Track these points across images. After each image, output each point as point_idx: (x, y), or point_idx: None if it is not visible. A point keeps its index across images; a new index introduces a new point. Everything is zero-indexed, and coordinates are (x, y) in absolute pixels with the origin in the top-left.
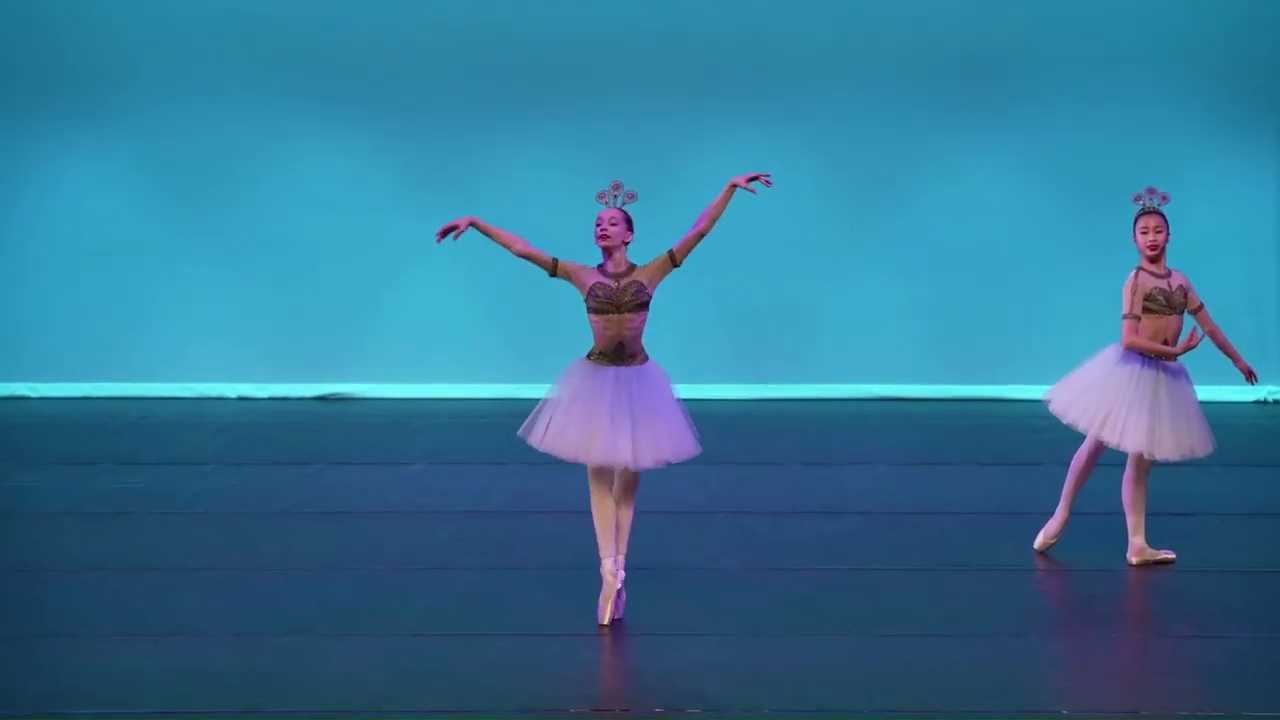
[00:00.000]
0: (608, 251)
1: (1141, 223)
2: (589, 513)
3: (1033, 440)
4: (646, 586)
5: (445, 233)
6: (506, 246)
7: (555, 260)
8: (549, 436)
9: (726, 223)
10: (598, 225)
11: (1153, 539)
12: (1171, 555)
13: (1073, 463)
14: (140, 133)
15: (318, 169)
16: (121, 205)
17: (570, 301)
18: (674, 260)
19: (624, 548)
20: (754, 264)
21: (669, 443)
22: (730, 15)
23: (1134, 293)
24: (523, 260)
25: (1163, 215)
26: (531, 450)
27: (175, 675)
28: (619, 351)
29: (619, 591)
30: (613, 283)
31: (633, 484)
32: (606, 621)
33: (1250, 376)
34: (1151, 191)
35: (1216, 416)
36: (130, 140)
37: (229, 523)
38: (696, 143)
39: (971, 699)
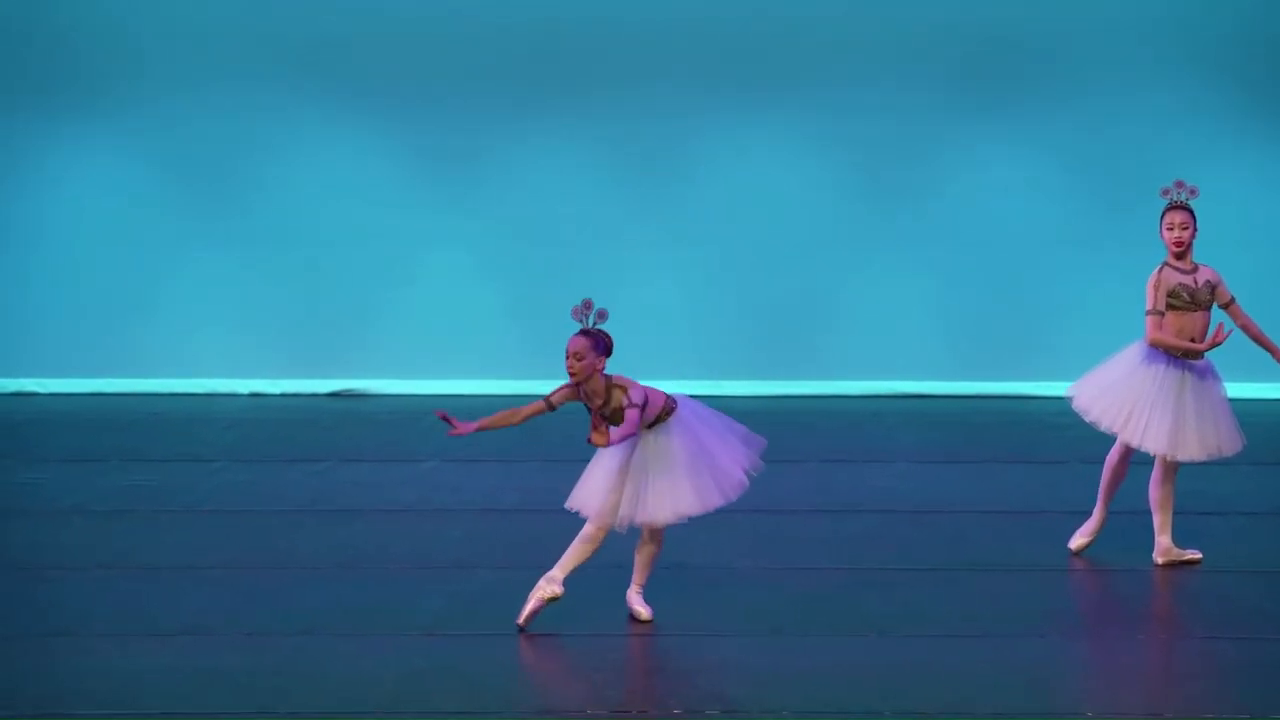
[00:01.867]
0: (580, 383)
1: (1167, 218)
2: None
3: (1055, 437)
4: (666, 586)
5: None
6: (508, 424)
7: (547, 400)
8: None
9: (745, 217)
10: (565, 361)
11: (1180, 538)
12: (1198, 555)
13: (1106, 463)
14: (149, 124)
15: (330, 161)
16: (130, 198)
17: (586, 296)
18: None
19: (643, 579)
20: (772, 260)
21: (670, 499)
22: (746, 6)
23: (1157, 288)
24: (535, 255)
25: (1189, 210)
26: (545, 448)
27: (184, 675)
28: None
29: (638, 612)
30: (594, 415)
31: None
32: (522, 621)
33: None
34: (1180, 185)
35: (1244, 414)
36: (138, 132)
37: (239, 521)
38: (711, 135)
39: (993, 700)
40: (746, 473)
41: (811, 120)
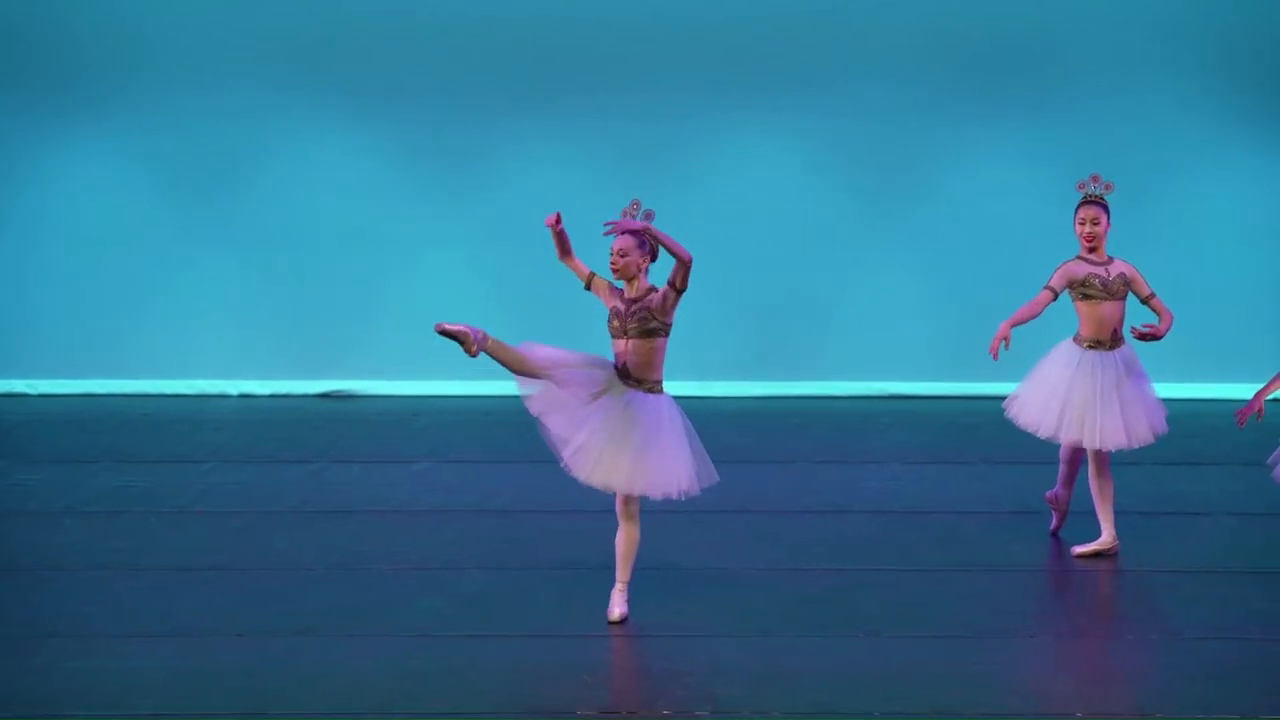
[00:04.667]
0: (625, 281)
1: (1080, 213)
2: (597, 512)
3: (1042, 438)
4: (656, 586)
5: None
6: (566, 258)
7: (591, 274)
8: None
9: (737, 218)
10: (610, 258)
11: (1171, 539)
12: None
13: (1090, 484)
14: (142, 125)
15: (322, 162)
16: (122, 199)
17: (585, 297)
18: (675, 288)
19: (623, 573)
20: (766, 259)
21: (648, 476)
22: (743, 7)
23: (1058, 271)
24: (533, 256)
25: (1103, 206)
26: (540, 448)
27: (177, 677)
28: (624, 373)
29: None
30: (623, 307)
31: (630, 504)
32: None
33: (1141, 333)
34: (1096, 179)
35: (1232, 414)
36: (131, 133)
37: (231, 522)
38: (706, 136)
39: (985, 701)
40: (681, 492)
41: (806, 121)
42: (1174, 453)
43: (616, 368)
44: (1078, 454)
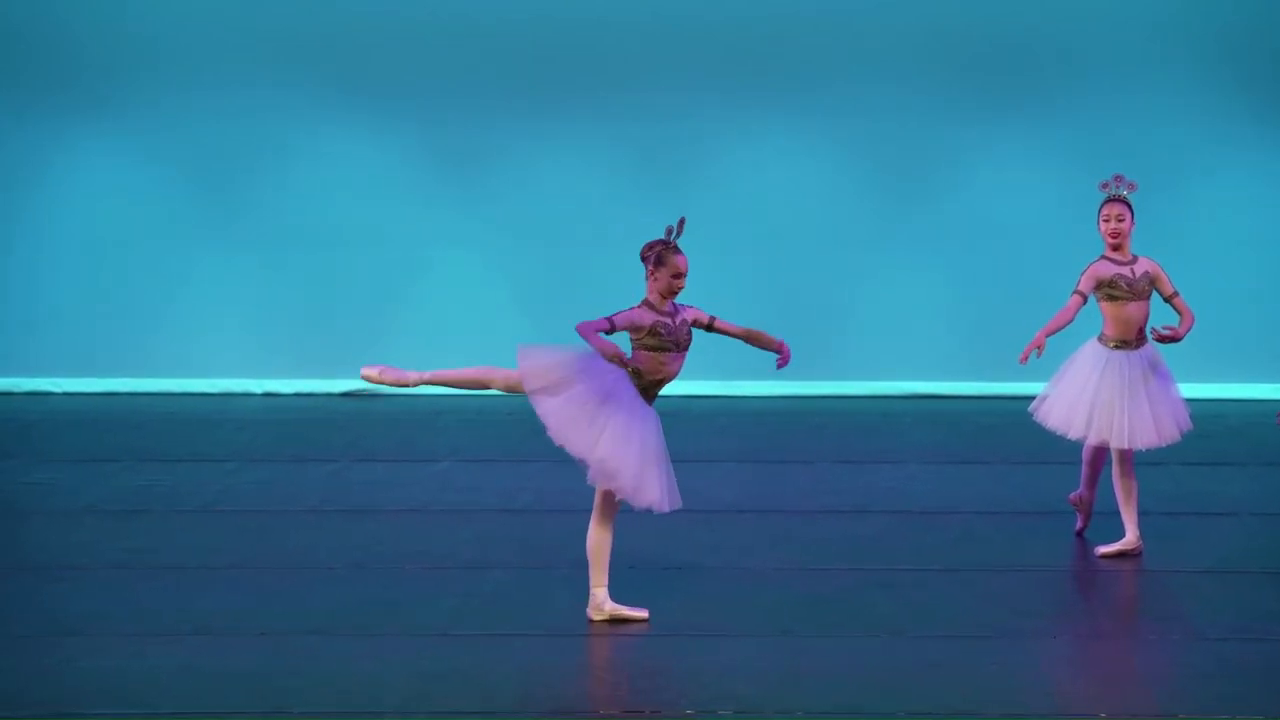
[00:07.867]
0: (663, 299)
1: (1104, 210)
2: (618, 513)
3: (1066, 438)
4: (676, 586)
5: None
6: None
7: (612, 321)
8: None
9: (756, 218)
10: (678, 276)
11: (1192, 539)
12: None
13: (1113, 484)
14: (160, 123)
15: (342, 160)
16: (143, 198)
17: (598, 296)
18: (711, 326)
19: (605, 575)
20: (784, 260)
21: (669, 491)
22: (761, 7)
23: (1085, 274)
24: (547, 255)
25: (1127, 203)
26: (560, 449)
27: (197, 676)
28: (656, 385)
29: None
30: (670, 320)
31: (615, 507)
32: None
33: (1161, 335)
34: (1119, 179)
35: (1255, 415)
36: (150, 131)
37: (252, 520)
38: (723, 135)
39: (1005, 701)
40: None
41: (823, 121)
42: (1196, 453)
43: (651, 380)
44: (1100, 455)
